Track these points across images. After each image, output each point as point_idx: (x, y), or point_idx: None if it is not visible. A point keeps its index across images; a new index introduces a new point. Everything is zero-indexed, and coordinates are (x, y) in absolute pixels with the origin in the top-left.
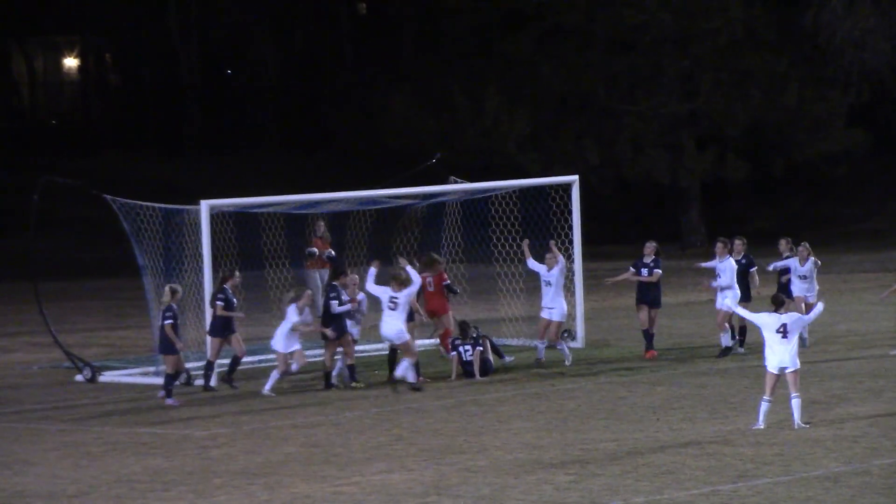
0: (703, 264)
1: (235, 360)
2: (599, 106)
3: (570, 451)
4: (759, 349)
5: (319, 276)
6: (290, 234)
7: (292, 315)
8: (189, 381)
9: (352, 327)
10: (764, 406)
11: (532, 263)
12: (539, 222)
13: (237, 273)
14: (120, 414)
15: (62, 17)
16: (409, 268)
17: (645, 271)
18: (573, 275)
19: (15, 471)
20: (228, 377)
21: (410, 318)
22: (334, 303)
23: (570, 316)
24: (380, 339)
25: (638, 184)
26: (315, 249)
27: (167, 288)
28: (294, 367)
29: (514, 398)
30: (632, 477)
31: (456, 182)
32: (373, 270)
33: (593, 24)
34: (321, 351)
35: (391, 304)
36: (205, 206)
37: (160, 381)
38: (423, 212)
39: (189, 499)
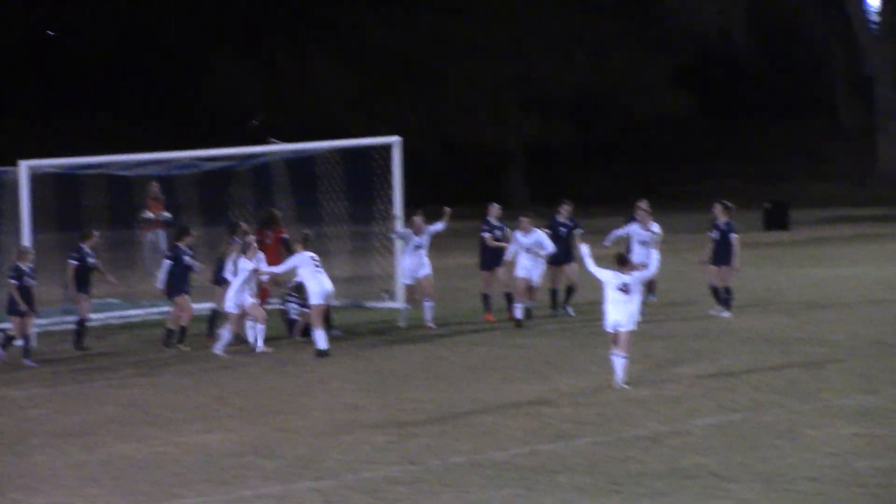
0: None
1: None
2: (425, 68)
3: (389, 411)
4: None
5: (154, 238)
6: (113, 195)
7: (245, 268)
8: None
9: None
10: (616, 361)
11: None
12: (362, 183)
13: (95, 232)
14: None
15: None
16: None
17: (498, 232)
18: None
19: None
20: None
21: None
22: (168, 263)
23: (389, 276)
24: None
25: (462, 146)
26: (151, 214)
27: (16, 249)
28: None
29: (333, 358)
30: (451, 437)
31: (276, 143)
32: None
33: None
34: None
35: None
36: (24, 166)
37: None
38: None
39: (7, 459)
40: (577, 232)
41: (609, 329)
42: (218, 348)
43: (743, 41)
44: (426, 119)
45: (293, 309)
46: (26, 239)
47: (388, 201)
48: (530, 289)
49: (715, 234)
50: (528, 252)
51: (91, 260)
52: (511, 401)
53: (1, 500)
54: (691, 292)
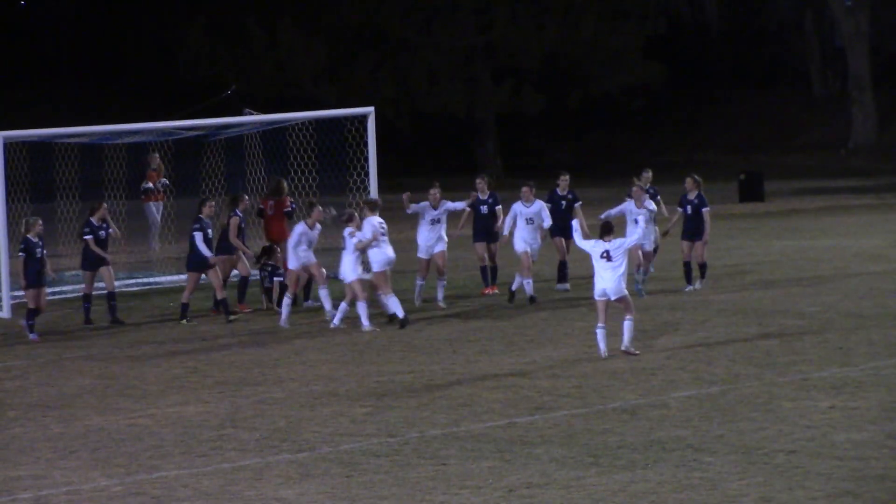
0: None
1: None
2: (395, 38)
3: (366, 383)
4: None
5: (156, 209)
6: (85, 165)
7: (351, 240)
8: None
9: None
10: (599, 333)
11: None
12: (335, 154)
13: (104, 204)
14: None
15: None
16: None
17: (485, 208)
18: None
19: None
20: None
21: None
22: (199, 234)
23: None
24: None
25: (434, 116)
26: (151, 184)
27: (24, 220)
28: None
29: (309, 330)
30: (428, 409)
31: (250, 114)
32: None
33: None
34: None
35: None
36: None
37: None
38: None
39: None
40: (578, 205)
41: (596, 297)
42: (336, 320)
43: (714, 10)
44: (397, 90)
45: (264, 276)
46: (0, 210)
47: (362, 172)
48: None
49: (687, 209)
50: (528, 223)
51: (103, 232)
52: (488, 373)
53: None
54: (666, 264)
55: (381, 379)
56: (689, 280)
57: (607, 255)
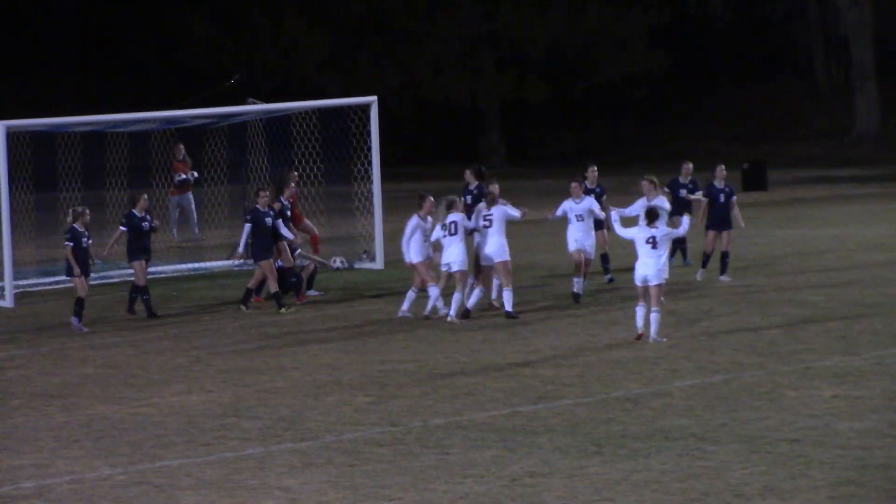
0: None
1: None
2: (399, 28)
3: (369, 372)
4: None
5: (184, 200)
6: (86, 154)
7: (438, 230)
8: None
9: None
10: (639, 311)
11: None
12: (339, 144)
13: (144, 195)
14: None
15: None
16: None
17: (469, 198)
18: (371, 195)
19: None
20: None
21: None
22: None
23: (370, 236)
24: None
25: (437, 105)
26: (184, 175)
27: (71, 210)
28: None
29: (312, 319)
30: (431, 398)
31: (254, 103)
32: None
33: None
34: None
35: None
36: (2, 126)
37: None
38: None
39: None
40: (604, 199)
41: (637, 283)
42: (451, 313)
43: (718, 0)
44: (401, 79)
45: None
46: (4, 200)
47: (366, 161)
48: (586, 262)
49: (720, 198)
50: (579, 220)
51: (146, 224)
52: (492, 362)
53: None
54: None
55: (384, 368)
56: (704, 265)
57: (653, 242)
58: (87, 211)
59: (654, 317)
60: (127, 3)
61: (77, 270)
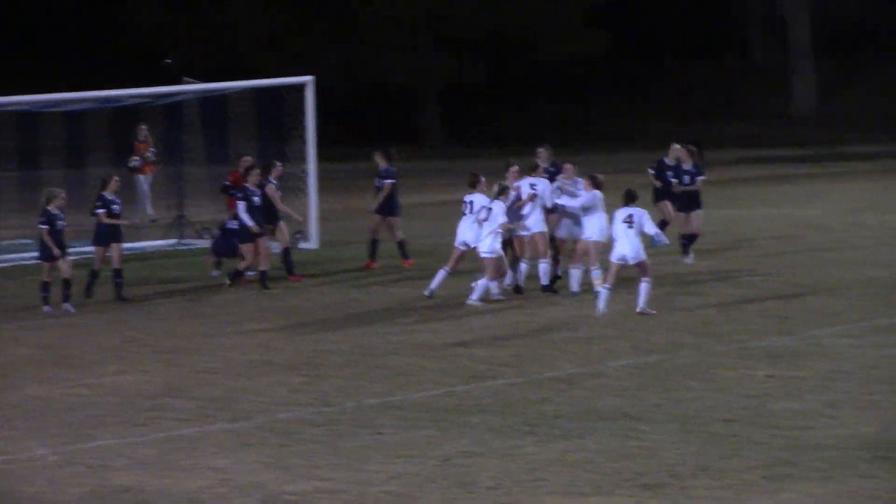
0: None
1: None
2: (337, 7)
3: (303, 352)
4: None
5: (145, 180)
6: (22, 135)
7: (501, 215)
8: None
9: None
10: (603, 293)
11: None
12: (275, 124)
13: (116, 178)
14: None
15: None
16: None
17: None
18: (307, 175)
19: None
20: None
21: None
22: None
23: (304, 216)
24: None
25: (375, 86)
26: (137, 158)
27: (45, 192)
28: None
29: (247, 300)
30: (365, 379)
31: (190, 83)
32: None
33: None
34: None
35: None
36: None
37: None
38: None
39: None
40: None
41: (614, 260)
42: (473, 298)
43: None
44: (339, 59)
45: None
46: None
47: (301, 141)
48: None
49: (684, 179)
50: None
51: (116, 207)
52: (426, 342)
53: None
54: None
55: (318, 349)
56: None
57: (629, 220)
58: (63, 193)
59: (643, 287)
60: None
61: (57, 252)
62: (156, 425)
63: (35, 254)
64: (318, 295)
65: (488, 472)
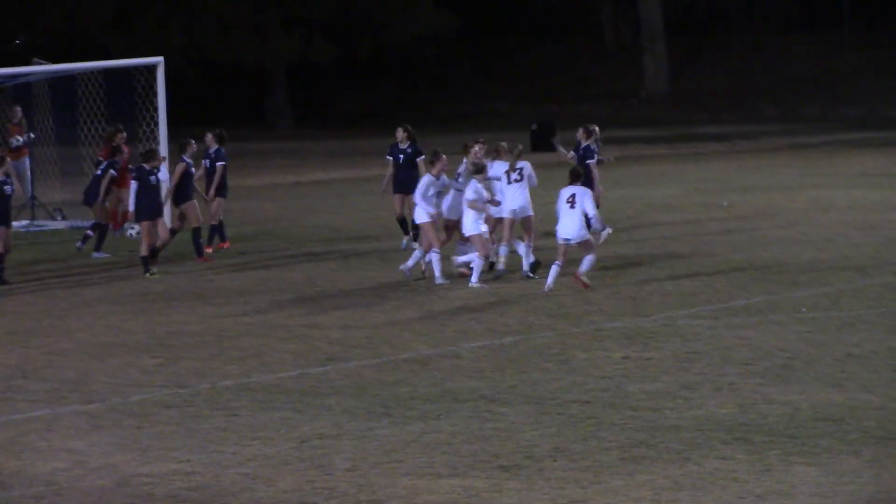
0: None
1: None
2: None
3: (156, 334)
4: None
5: (20, 165)
6: None
7: (482, 192)
8: None
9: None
10: (553, 269)
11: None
12: (125, 105)
13: (8, 159)
14: None
15: None
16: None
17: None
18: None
19: None
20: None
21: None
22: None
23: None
24: None
25: (224, 66)
26: (19, 138)
27: None
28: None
29: (99, 281)
30: (219, 360)
31: (39, 63)
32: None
33: None
34: None
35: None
36: None
37: None
38: None
39: None
40: (421, 159)
41: (560, 240)
42: (473, 280)
43: None
44: (187, 39)
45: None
46: None
47: (152, 122)
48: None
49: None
50: (511, 185)
51: (9, 188)
52: (279, 324)
53: None
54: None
55: (171, 330)
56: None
57: (572, 200)
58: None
59: (589, 258)
60: None
61: None
62: (9, 407)
63: None
64: (171, 277)
65: (345, 453)
